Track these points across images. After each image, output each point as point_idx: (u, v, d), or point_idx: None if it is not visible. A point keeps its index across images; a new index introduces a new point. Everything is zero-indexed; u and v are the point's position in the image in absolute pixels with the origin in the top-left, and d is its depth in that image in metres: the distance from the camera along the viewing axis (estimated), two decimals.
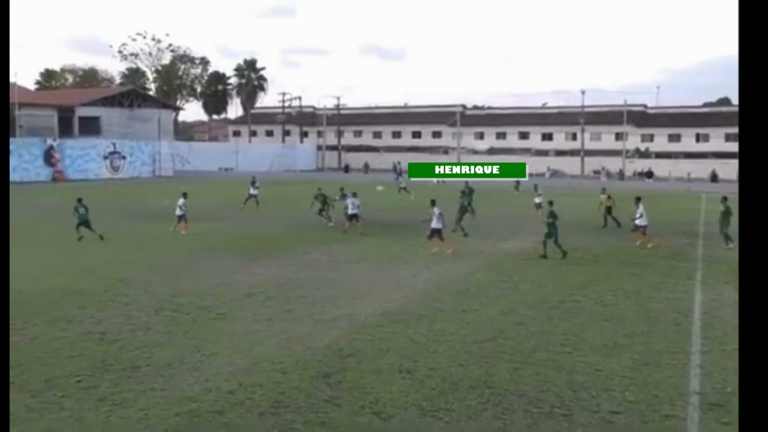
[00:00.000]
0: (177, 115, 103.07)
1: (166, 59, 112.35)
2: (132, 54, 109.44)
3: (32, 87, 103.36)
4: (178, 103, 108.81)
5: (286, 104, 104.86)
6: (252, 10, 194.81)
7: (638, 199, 24.40)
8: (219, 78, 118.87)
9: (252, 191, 35.99)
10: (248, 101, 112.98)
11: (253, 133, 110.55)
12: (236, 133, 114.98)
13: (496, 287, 16.95)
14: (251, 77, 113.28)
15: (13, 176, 57.06)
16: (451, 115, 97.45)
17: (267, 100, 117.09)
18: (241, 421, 8.65)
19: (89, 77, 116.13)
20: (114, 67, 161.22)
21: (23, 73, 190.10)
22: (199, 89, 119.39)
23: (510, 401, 9.37)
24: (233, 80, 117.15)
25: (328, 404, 9.18)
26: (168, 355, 11.13)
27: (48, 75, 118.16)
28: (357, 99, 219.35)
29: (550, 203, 22.44)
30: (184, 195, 26.97)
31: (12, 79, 69.89)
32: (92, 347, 11.50)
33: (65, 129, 74.52)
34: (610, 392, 9.78)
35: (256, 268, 19.00)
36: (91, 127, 76.91)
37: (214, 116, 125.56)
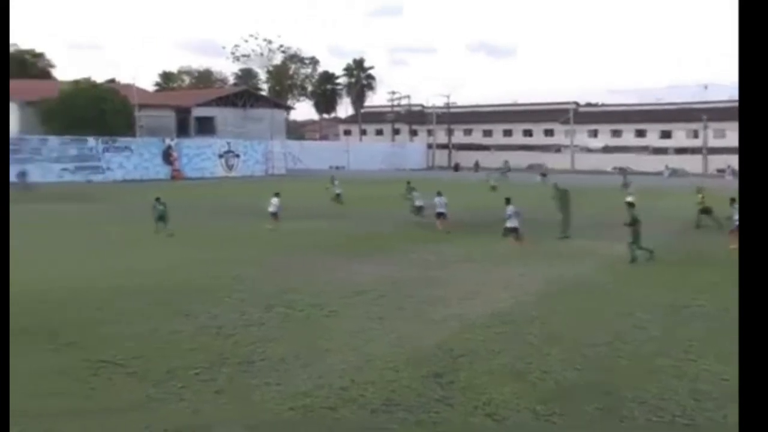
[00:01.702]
0: (288, 114, 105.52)
1: (278, 60, 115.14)
2: (244, 55, 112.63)
3: (151, 89, 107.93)
4: (289, 102, 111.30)
5: (395, 103, 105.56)
6: (361, 10, 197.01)
7: (733, 200, 23.21)
8: (328, 77, 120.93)
9: (336, 190, 36.48)
10: (357, 100, 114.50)
11: (363, 132, 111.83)
12: (347, 132, 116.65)
13: (610, 289, 16.52)
14: (360, 76, 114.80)
15: (134, 174, 59.92)
16: (563, 113, 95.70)
17: (376, 98, 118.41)
18: (354, 418, 8.76)
19: (204, 78, 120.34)
20: (227, 68, 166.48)
21: (143, 76, 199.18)
22: (309, 89, 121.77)
23: (629, 408, 9.09)
24: (342, 79, 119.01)
25: (439, 404, 9.18)
26: (281, 350, 11.40)
27: (166, 77, 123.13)
28: (466, 97, 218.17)
29: (631, 205, 21.65)
30: (277, 195, 28.03)
31: (132, 81, 73.34)
32: (209, 341, 11.91)
33: (182, 129, 77.58)
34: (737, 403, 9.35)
35: (365, 266, 19.21)
36: (206, 126, 79.78)
37: (325, 115, 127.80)
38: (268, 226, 26.80)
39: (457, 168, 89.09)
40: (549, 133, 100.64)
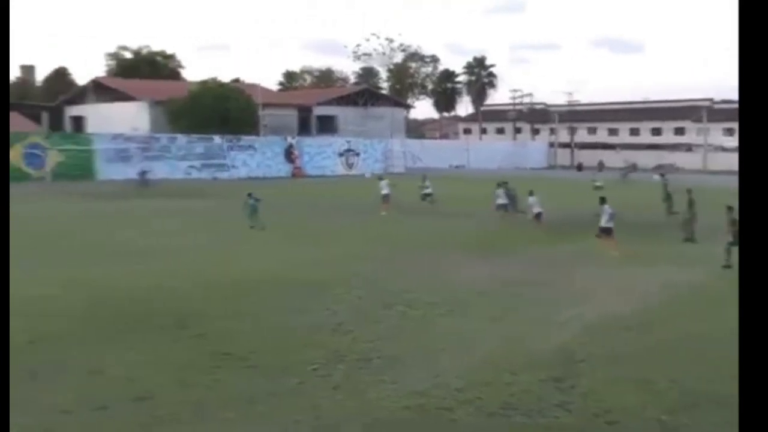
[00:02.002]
0: (408, 113, 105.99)
1: (398, 58, 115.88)
2: (366, 54, 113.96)
3: (275, 88, 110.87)
4: (409, 101, 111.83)
5: (517, 101, 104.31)
6: (481, 7, 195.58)
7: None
8: (448, 76, 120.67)
9: (426, 190, 36.10)
10: (478, 99, 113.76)
11: (484, 131, 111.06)
12: (466, 131, 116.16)
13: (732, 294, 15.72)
14: (481, 74, 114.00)
15: (257, 172, 61.59)
16: (695, 110, 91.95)
17: (497, 97, 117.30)
18: (470, 420, 8.71)
19: (326, 77, 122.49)
20: (348, 67, 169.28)
21: (268, 75, 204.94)
22: (429, 87, 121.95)
23: None
24: (463, 78, 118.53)
25: (559, 409, 9.01)
26: (398, 348, 11.47)
27: (289, 76, 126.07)
28: (590, 95, 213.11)
29: (730, 209, 20.56)
30: (381, 178, 30.80)
31: (257, 81, 75.54)
32: (327, 337, 12.12)
33: (304, 127, 79.28)
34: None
35: (481, 265, 19.08)
36: (327, 125, 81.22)
37: (445, 114, 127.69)
38: (382, 212, 27.77)
39: (580, 168, 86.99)
40: (679, 131, 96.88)
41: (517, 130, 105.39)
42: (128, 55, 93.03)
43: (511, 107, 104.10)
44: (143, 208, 34.07)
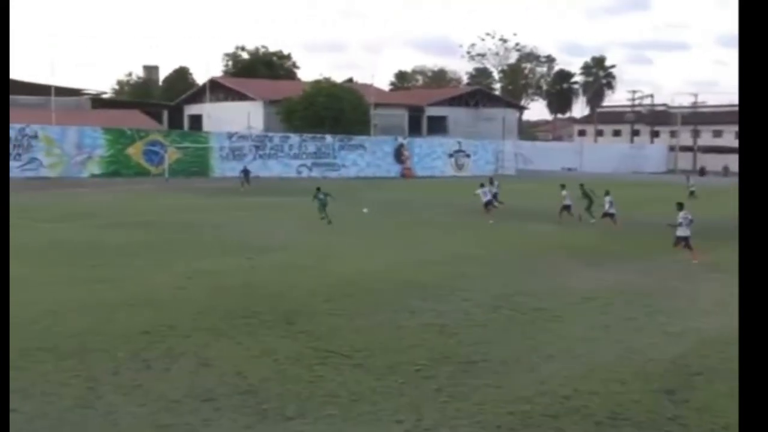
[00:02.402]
0: (521, 114, 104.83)
1: (513, 59, 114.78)
2: (479, 54, 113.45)
3: (386, 88, 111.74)
4: (522, 102, 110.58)
5: (636, 102, 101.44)
6: (600, 6, 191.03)
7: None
8: (564, 76, 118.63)
9: (493, 190, 35.34)
10: (595, 100, 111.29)
11: (599, 133, 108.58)
12: (581, 133, 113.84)
13: None
14: (599, 75, 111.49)
15: (366, 172, 62.32)
16: None
17: (615, 98, 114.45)
18: (576, 429, 8.52)
19: (438, 78, 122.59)
20: (461, 68, 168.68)
21: (380, 75, 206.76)
22: (544, 88, 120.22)
23: None
24: (579, 78, 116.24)
25: (671, 423, 8.69)
26: (504, 353, 11.35)
27: (401, 76, 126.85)
28: (718, 96, 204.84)
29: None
30: (482, 185, 31.14)
31: (370, 80, 76.36)
32: (432, 338, 12.11)
33: (414, 128, 79.67)
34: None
35: (594, 271, 18.65)
36: (438, 126, 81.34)
37: (558, 115, 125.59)
38: (489, 221, 28.32)
39: (702, 172, 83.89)
40: None
41: (635, 133, 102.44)
42: (245, 55, 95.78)
43: (629, 109, 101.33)
44: (255, 205, 35.00)
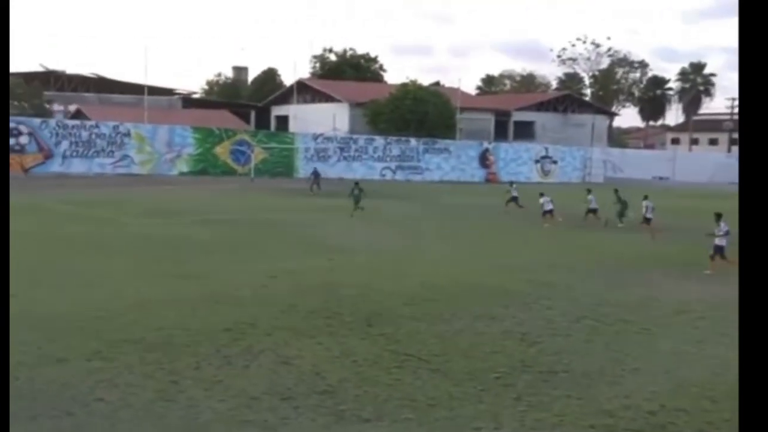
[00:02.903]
0: (612, 120, 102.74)
1: (604, 64, 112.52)
2: (570, 59, 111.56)
3: (473, 92, 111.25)
4: (613, 108, 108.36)
5: (735, 110, 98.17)
6: (696, 9, 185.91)
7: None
8: (658, 83, 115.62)
9: (513, 193, 36.05)
10: (691, 107, 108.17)
11: (694, 141, 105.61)
12: (674, 141, 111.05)
13: None
14: (697, 81, 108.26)
15: (450, 176, 62.16)
16: None
17: (712, 105, 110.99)
18: None
19: (526, 82, 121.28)
20: (551, 72, 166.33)
21: (467, 79, 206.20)
22: (636, 94, 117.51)
23: None
24: (674, 84, 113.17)
25: None
26: (586, 364, 11.13)
27: (488, 80, 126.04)
28: None
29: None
30: (542, 194, 31.55)
31: (457, 85, 76.18)
32: (512, 346, 11.98)
33: (500, 132, 79.01)
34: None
35: (686, 283, 18.11)
36: (525, 131, 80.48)
37: (651, 122, 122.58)
38: (544, 224, 29.58)
39: None
40: None
41: (734, 142, 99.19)
42: (333, 57, 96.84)
43: (728, 116, 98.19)
44: (337, 207, 35.32)
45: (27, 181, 44.48)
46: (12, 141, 48.22)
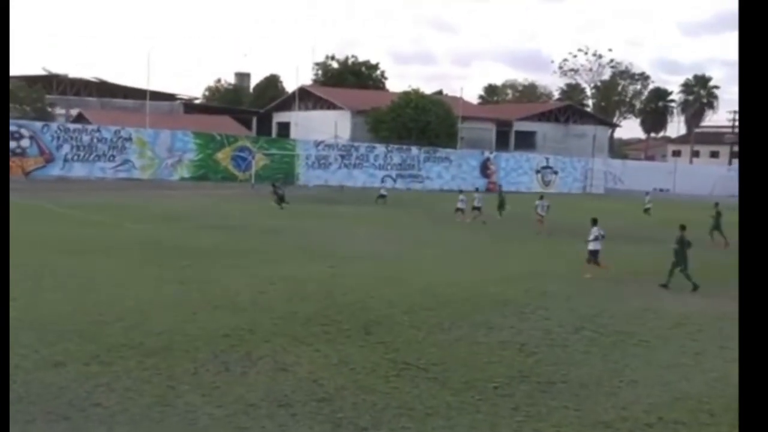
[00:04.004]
0: (613, 132, 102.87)
1: (606, 75, 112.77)
2: (572, 70, 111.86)
3: (475, 101, 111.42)
4: (615, 119, 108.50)
5: (737, 123, 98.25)
6: (697, 23, 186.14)
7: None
8: (660, 95, 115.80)
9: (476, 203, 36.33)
10: (693, 119, 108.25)
11: (696, 154, 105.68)
12: (675, 153, 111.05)
13: None
14: (700, 94, 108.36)
15: (451, 185, 62.13)
16: None
17: (715, 118, 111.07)
18: None
19: (528, 93, 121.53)
20: (553, 83, 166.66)
21: (468, 89, 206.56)
22: (638, 106, 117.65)
23: None
24: (677, 97, 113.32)
25: None
26: (584, 375, 11.13)
27: (490, 90, 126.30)
28: None
29: (683, 228, 19.42)
30: (540, 197, 32.35)
31: (459, 94, 76.31)
32: (510, 356, 11.98)
33: (502, 142, 79.14)
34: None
35: (687, 296, 18.10)
36: (526, 141, 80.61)
37: (652, 134, 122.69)
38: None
39: None
40: None
41: (735, 155, 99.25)
42: (335, 65, 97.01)
43: (729, 129, 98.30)
44: (338, 214, 35.36)
45: (28, 184, 44.51)
46: (13, 144, 48.29)
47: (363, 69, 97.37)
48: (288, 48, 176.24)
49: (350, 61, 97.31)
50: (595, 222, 21.06)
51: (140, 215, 30.30)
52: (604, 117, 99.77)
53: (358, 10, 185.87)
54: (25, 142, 49.35)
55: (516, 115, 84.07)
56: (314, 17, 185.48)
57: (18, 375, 9.71)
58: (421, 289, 17.08)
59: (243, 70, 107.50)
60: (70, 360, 10.56)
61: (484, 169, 66.08)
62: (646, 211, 43.77)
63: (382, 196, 43.93)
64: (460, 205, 35.53)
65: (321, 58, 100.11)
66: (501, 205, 36.57)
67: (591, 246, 20.60)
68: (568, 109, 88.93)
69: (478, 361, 11.62)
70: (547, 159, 70.66)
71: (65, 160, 50.65)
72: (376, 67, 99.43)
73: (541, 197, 32.99)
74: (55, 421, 8.50)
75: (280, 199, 36.57)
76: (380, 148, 62.33)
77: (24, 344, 11.06)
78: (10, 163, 47.57)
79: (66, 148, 50.68)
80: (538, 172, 69.05)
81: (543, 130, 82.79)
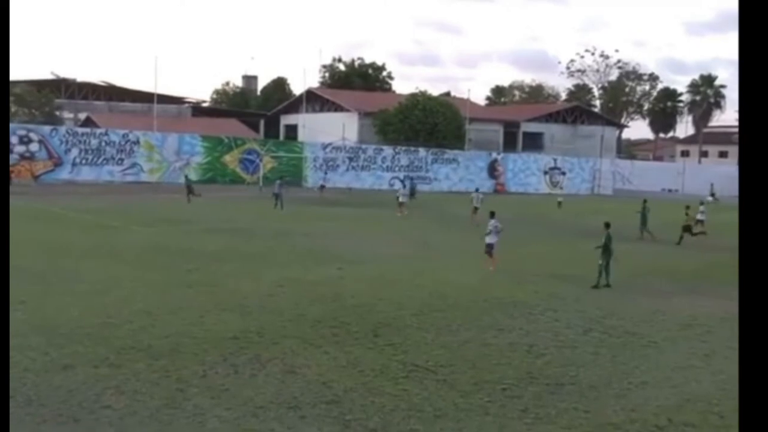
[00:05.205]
0: (621, 132, 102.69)
1: (614, 76, 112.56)
2: (579, 70, 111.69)
3: (482, 103, 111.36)
4: (623, 120, 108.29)
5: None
6: (702, 23, 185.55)
7: None
8: (669, 95, 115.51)
9: (475, 204, 35.93)
10: (702, 119, 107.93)
11: (704, 154, 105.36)
12: (684, 153, 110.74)
13: None
14: (707, 94, 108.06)
15: (459, 186, 62.12)
16: None
17: (723, 118, 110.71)
18: None
19: (535, 93, 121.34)
20: (560, 84, 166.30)
21: (475, 90, 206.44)
22: (646, 106, 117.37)
23: None
24: (685, 97, 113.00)
25: None
26: (593, 376, 11.11)
27: (497, 91, 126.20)
28: None
29: (607, 225, 19.58)
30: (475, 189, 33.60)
31: (466, 95, 76.26)
32: (519, 358, 11.98)
33: (509, 143, 79.08)
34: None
35: (696, 297, 18.03)
36: (534, 142, 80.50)
37: (661, 135, 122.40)
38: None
39: None
40: None
41: None
42: (342, 67, 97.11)
43: (737, 129, 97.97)
44: (346, 216, 35.38)
45: (36, 188, 44.68)
46: (22, 148, 48.49)
47: (370, 71, 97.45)
48: (295, 50, 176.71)
49: (357, 63, 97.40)
50: (492, 215, 21.62)
51: (148, 218, 30.36)
52: (612, 118, 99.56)
53: (363, 12, 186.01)
54: (33, 146, 49.51)
55: (523, 116, 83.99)
56: (320, 20, 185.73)
57: (28, 377, 9.77)
58: (430, 291, 17.07)
59: (250, 73, 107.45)
60: (79, 362, 10.60)
61: (492, 170, 66.02)
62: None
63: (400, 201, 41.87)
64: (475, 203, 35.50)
65: (328, 61, 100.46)
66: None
67: (487, 239, 21.03)
68: (576, 109, 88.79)
69: (487, 362, 11.61)
70: (555, 160, 70.54)
71: (74, 164, 50.80)
72: (382, 68, 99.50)
73: (477, 190, 37.25)
74: (65, 423, 8.54)
75: (276, 198, 37.82)
76: (388, 150, 62.34)
77: (33, 347, 11.12)
78: (20, 167, 47.87)
79: (74, 152, 50.82)
80: (546, 173, 68.93)
81: (551, 130, 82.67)
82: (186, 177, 44.70)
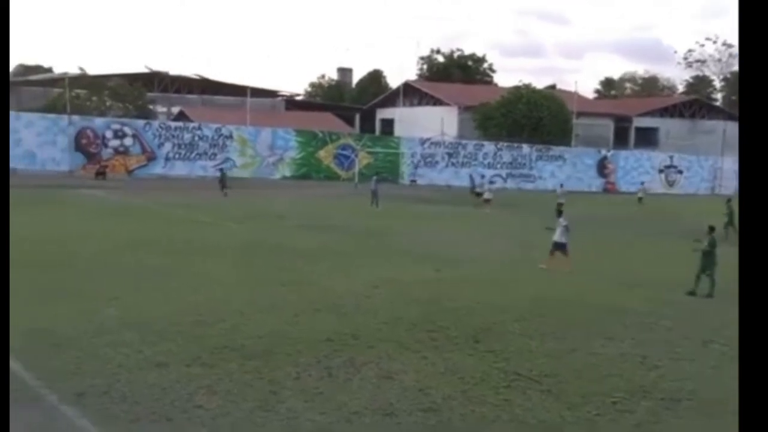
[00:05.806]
0: None
1: (737, 66, 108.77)
2: (698, 60, 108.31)
3: (591, 96, 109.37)
4: None
5: None
6: None
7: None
8: None
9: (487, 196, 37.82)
10: None
11: None
12: None
13: None
14: None
15: (565, 184, 61.19)
16: None
17: None
18: None
19: (649, 86, 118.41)
20: (676, 75, 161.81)
21: (583, 82, 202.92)
22: None
23: None
24: None
25: None
26: (713, 392, 10.75)
27: (607, 84, 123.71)
28: None
29: (711, 229, 18.43)
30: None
31: (573, 88, 75.06)
32: (630, 369, 11.70)
33: (620, 139, 77.50)
34: None
35: None
36: (647, 138, 78.66)
37: None
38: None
39: None
40: None
41: None
42: (440, 59, 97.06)
43: None
44: (444, 215, 35.35)
45: (130, 182, 46.39)
46: (117, 142, 50.49)
47: (469, 63, 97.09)
48: (391, 42, 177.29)
49: (456, 55, 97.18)
50: (560, 213, 21.30)
51: (242, 214, 31.06)
52: (736, 112, 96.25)
53: (462, 1, 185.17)
54: (128, 141, 51.47)
55: (636, 110, 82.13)
56: (418, 10, 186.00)
57: (122, 374, 10.13)
58: (534, 295, 16.87)
59: (345, 65, 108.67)
60: (172, 361, 10.91)
61: (601, 168, 64.83)
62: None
63: (485, 198, 41.56)
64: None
65: (426, 52, 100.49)
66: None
67: (555, 238, 20.88)
68: (695, 103, 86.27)
69: (596, 373, 11.39)
70: (671, 157, 68.72)
71: (167, 159, 52.53)
72: (483, 60, 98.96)
73: (561, 185, 38.74)
74: (158, 422, 8.81)
75: (373, 195, 38.46)
76: (489, 146, 61.97)
77: (127, 343, 11.52)
78: (114, 162, 49.82)
79: (167, 147, 52.54)
80: (660, 171, 67.24)
81: (666, 126, 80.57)
82: (221, 170, 45.27)
